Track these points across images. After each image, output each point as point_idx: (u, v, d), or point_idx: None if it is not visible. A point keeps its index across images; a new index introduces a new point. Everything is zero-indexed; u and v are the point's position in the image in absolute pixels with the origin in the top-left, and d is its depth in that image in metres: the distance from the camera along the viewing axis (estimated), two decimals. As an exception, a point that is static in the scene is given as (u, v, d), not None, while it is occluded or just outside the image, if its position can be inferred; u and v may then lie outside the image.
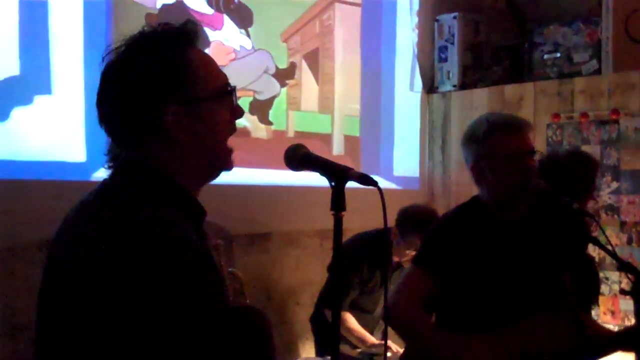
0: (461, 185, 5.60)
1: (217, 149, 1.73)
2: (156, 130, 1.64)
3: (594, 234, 3.33)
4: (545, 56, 5.49)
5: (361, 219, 4.16)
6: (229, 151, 1.76)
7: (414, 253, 4.14)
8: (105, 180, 1.69)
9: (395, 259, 4.34)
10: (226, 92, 1.72)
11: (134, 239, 1.51)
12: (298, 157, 1.92)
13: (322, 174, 1.88)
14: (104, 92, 1.69)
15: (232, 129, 1.77)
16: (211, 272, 1.62)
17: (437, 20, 5.98)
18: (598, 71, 5.17)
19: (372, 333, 4.43)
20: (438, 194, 5.90)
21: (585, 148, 4.97)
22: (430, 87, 6.04)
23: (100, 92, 1.69)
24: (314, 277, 4.88)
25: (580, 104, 5.10)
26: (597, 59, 5.18)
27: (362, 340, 4.32)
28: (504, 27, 6.12)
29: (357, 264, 4.34)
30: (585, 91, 5.09)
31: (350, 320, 4.37)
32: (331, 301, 2.04)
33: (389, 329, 2.63)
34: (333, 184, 1.85)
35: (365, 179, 1.82)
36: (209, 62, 1.74)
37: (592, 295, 3.26)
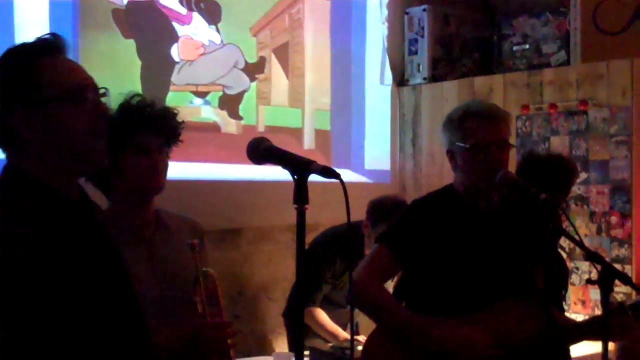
0: (432, 178, 5.60)
1: (72, 147, 1.83)
2: (11, 134, 1.81)
3: (563, 224, 3.34)
4: (515, 48, 5.51)
5: (332, 213, 4.17)
6: (90, 148, 1.85)
7: None
8: None
9: (368, 251, 4.33)
10: (76, 93, 1.82)
11: None
12: (260, 150, 1.91)
13: (284, 167, 1.87)
14: None
15: (94, 128, 1.85)
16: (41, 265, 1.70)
17: (407, 13, 5.96)
18: (567, 62, 5.19)
19: (345, 328, 4.42)
20: (409, 187, 5.90)
21: (554, 139, 5.00)
22: (400, 80, 6.03)
23: None
24: (286, 272, 4.87)
25: (549, 95, 5.10)
26: (566, 50, 5.20)
27: (334, 335, 4.31)
28: (474, 19, 6.12)
29: (328, 258, 4.33)
30: (554, 82, 5.09)
31: (321, 315, 4.36)
32: (297, 295, 2.03)
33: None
34: (295, 177, 1.84)
35: (327, 172, 1.82)
36: (64, 67, 1.86)
37: (561, 288, 3.27)
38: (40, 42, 1.86)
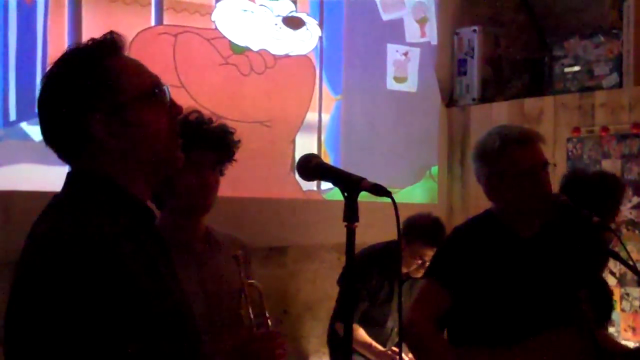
0: (480, 200, 5.46)
1: (156, 150, 1.76)
2: (88, 140, 1.70)
3: (615, 248, 3.27)
4: (566, 69, 5.44)
5: (378, 233, 4.16)
6: (173, 149, 1.79)
7: (419, 262, 4.13)
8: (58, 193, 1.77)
9: (404, 269, 4.31)
10: (153, 93, 1.76)
11: (50, 249, 1.57)
12: (311, 166, 1.89)
13: (335, 184, 1.85)
14: (39, 110, 1.76)
15: (172, 128, 1.79)
16: (140, 275, 1.62)
17: (457, 34, 5.94)
18: (619, 84, 5.10)
19: (384, 346, 4.38)
20: (457, 208, 5.85)
21: (605, 162, 4.92)
22: (449, 101, 6.00)
23: (37, 109, 1.77)
24: (331, 291, 4.82)
25: (601, 117, 5.03)
26: (618, 73, 5.12)
27: (374, 352, 4.27)
28: (524, 40, 6.08)
29: (365, 275, 4.30)
30: (606, 105, 5.02)
31: (361, 332, 4.32)
32: (343, 314, 2.00)
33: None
34: (346, 194, 1.82)
35: (379, 190, 1.79)
36: (132, 66, 1.79)
37: (606, 312, 3.20)
38: (103, 42, 1.77)
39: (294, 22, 4.93)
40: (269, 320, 2.52)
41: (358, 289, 4.28)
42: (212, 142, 2.62)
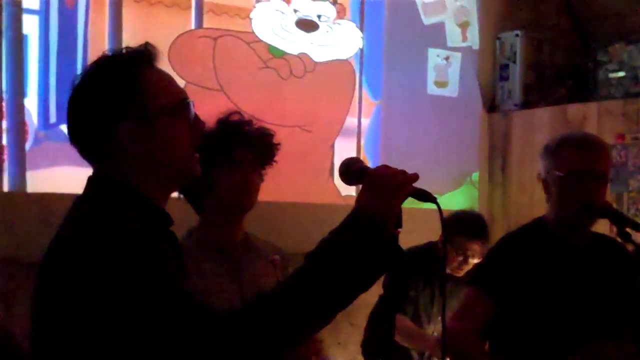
0: (522, 208, 5.47)
1: (176, 161, 1.82)
2: (113, 145, 1.77)
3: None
4: (610, 75, 5.34)
5: (417, 239, 4.10)
6: (190, 161, 1.84)
7: (461, 259, 4.05)
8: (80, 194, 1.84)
9: (448, 269, 4.23)
10: (180, 107, 1.82)
11: (72, 252, 1.64)
12: (354, 170, 1.84)
13: (378, 189, 1.80)
14: (68, 110, 1.84)
15: (195, 141, 1.85)
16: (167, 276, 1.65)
17: (499, 38, 5.87)
18: (665, 91, 5.01)
19: (423, 354, 4.31)
20: (498, 216, 5.77)
21: (650, 170, 4.83)
22: (490, 106, 5.92)
23: (67, 112, 1.84)
24: (369, 297, 4.70)
25: (646, 124, 4.94)
26: (664, 78, 5.03)
27: (421, 338, 4.17)
28: (568, 45, 5.99)
29: (408, 279, 4.24)
30: (652, 111, 4.93)
31: (405, 320, 4.20)
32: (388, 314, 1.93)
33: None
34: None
35: (424, 195, 1.75)
36: (163, 80, 1.85)
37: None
38: (137, 53, 1.84)
39: (306, 25, 4.88)
40: None
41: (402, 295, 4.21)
42: (253, 142, 2.63)
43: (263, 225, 2.96)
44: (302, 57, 4.85)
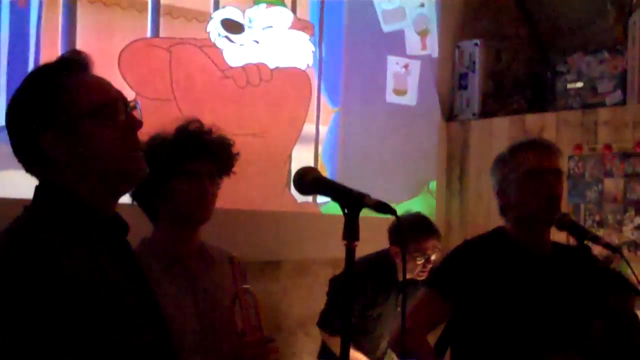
0: (479, 217, 5.47)
1: (110, 164, 1.79)
2: (42, 155, 1.77)
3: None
4: (569, 85, 5.34)
5: (372, 248, 4.06)
6: (132, 161, 1.82)
7: (422, 261, 4.03)
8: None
9: (409, 275, 4.20)
10: (106, 109, 1.79)
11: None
12: (307, 181, 1.78)
13: (335, 199, 1.74)
14: (4, 123, 1.84)
15: (128, 142, 1.82)
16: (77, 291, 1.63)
17: (458, 47, 5.85)
18: (623, 102, 5.00)
19: (374, 355, 4.27)
20: (455, 225, 5.75)
21: (608, 181, 4.83)
22: (449, 115, 5.90)
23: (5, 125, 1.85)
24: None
25: (604, 135, 4.94)
26: (622, 90, 5.02)
27: None
28: (527, 55, 6.00)
29: (359, 286, 4.20)
30: (609, 122, 4.92)
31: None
32: (341, 329, 1.88)
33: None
34: (346, 211, 1.71)
35: (383, 207, 1.69)
36: (90, 84, 1.83)
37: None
38: (63, 60, 1.85)
39: (233, 27, 4.81)
40: (262, 326, 2.48)
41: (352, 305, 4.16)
42: (212, 153, 2.60)
43: (218, 233, 2.91)
44: (259, 66, 4.79)
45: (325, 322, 4.31)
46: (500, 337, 2.77)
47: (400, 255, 4.05)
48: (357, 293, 4.18)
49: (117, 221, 1.88)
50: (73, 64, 1.84)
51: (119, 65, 4.12)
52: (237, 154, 2.68)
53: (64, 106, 1.77)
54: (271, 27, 4.88)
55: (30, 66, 3.96)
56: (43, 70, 1.85)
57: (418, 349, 2.80)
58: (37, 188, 1.82)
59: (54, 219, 1.73)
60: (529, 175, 2.80)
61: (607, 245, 2.62)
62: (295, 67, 4.98)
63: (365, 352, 4.22)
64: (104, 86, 1.85)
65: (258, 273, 4.63)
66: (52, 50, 3.92)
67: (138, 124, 1.85)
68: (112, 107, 1.80)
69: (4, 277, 1.59)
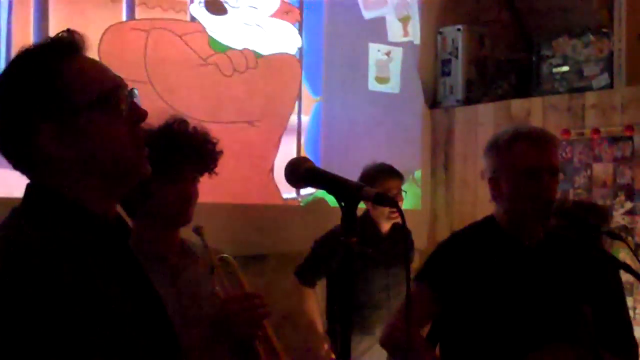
0: (465, 205, 5.39)
1: (115, 161, 1.58)
2: (37, 153, 1.55)
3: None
4: (554, 70, 5.25)
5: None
6: (136, 159, 1.62)
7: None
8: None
9: (386, 226, 4.32)
10: (109, 98, 1.57)
11: None
12: (300, 172, 1.65)
13: (330, 191, 1.62)
14: None
15: (135, 135, 1.60)
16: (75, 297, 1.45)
17: (441, 33, 5.76)
18: (610, 85, 4.92)
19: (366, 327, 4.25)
20: (441, 214, 5.67)
21: (597, 166, 4.75)
22: (432, 102, 5.81)
23: None
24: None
25: (592, 119, 4.85)
26: (609, 73, 4.94)
27: (310, 326, 4.33)
28: (510, 40, 5.92)
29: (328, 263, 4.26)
30: (597, 106, 4.84)
31: (311, 299, 4.41)
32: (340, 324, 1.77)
33: None
34: (343, 203, 1.59)
35: (382, 199, 1.56)
36: (89, 69, 1.60)
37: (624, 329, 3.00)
38: (56, 42, 1.59)
39: (214, 7, 4.69)
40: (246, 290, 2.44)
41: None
42: (195, 155, 2.51)
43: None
44: (245, 53, 4.68)
45: (301, 272, 4.45)
46: (489, 331, 2.70)
47: (371, 204, 3.99)
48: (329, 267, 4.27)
49: (118, 224, 1.69)
50: (68, 45, 1.59)
51: (98, 52, 4.01)
52: (221, 152, 2.57)
53: (61, 96, 1.54)
54: (256, 8, 4.78)
55: (2, 62, 3.84)
56: (34, 54, 1.59)
57: (411, 344, 2.72)
58: (27, 190, 1.61)
59: (47, 223, 1.52)
60: (525, 174, 2.70)
61: (610, 234, 2.54)
62: (283, 53, 4.89)
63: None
64: (103, 71, 1.62)
65: (243, 267, 4.52)
66: (23, 44, 3.78)
67: (143, 114, 1.63)
68: (115, 94, 1.58)
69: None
